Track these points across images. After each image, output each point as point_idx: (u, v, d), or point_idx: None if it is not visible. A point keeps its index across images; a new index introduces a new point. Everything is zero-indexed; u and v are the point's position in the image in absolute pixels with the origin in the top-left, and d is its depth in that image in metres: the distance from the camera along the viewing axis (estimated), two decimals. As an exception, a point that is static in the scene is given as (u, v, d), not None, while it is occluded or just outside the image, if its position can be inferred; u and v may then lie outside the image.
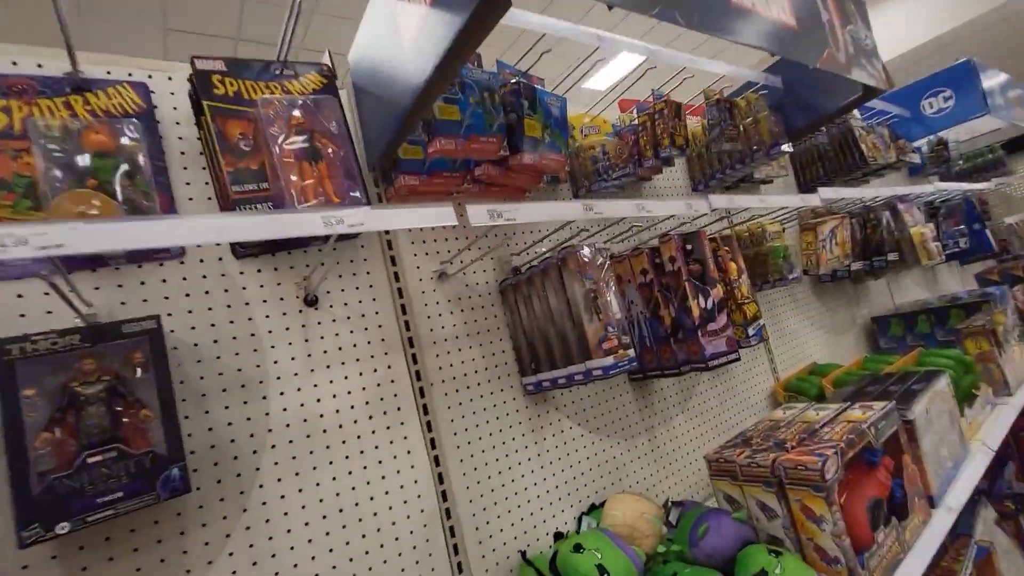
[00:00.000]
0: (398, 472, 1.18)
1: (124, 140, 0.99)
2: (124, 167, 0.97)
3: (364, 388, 1.18)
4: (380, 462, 1.17)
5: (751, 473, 1.15)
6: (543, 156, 1.31)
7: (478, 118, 1.16)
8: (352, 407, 1.16)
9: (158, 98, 1.08)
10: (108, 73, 1.03)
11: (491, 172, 1.30)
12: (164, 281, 1.02)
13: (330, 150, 1.09)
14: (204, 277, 1.06)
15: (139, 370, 0.86)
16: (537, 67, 1.40)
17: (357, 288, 1.23)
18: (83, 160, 0.94)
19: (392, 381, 1.22)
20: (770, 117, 1.85)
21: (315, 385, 1.13)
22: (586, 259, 1.21)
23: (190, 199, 1.08)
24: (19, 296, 0.88)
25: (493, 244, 1.49)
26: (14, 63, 0.96)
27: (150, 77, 1.07)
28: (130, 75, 1.05)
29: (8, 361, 0.77)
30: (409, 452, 1.21)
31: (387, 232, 1.30)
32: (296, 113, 1.07)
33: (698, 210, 1.43)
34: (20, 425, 0.77)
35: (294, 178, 1.04)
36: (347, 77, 1.33)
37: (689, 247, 1.46)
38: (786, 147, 1.83)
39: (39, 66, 0.97)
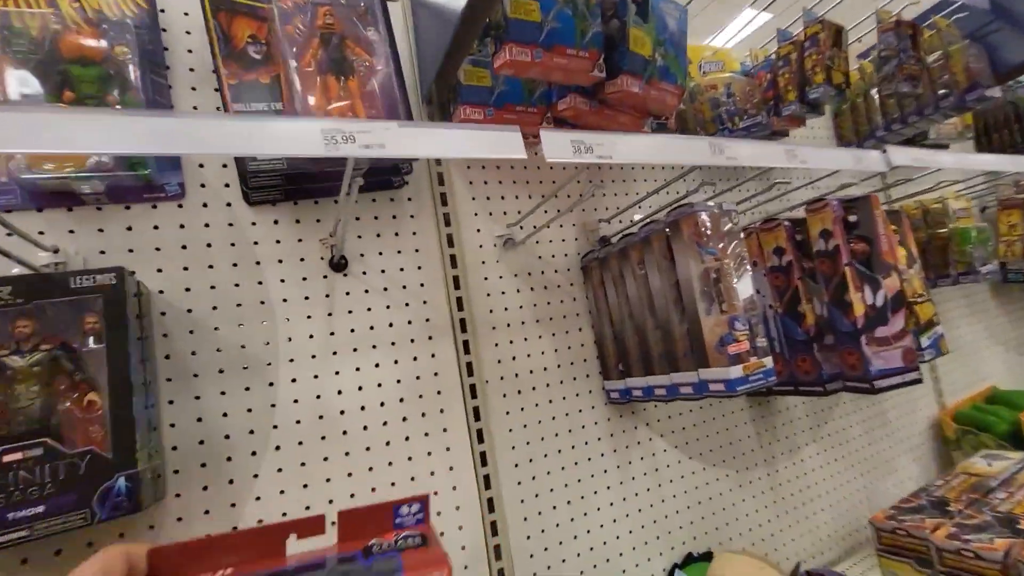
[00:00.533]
0: (435, 494, 0.91)
1: (113, 47, 0.77)
2: (111, 79, 0.76)
3: (399, 381, 0.92)
4: (412, 479, 0.90)
5: (964, 566, 0.75)
6: (653, 84, 0.96)
7: (565, 21, 0.84)
8: (382, 404, 0.90)
9: (167, 0, 0.86)
10: (105, -35, 0.82)
11: (579, 107, 0.97)
12: (156, 228, 0.80)
13: (366, 64, 0.82)
14: (206, 226, 0.83)
15: (91, 339, 0.64)
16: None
17: (399, 252, 0.96)
18: (59, 67, 0.73)
19: (436, 374, 0.95)
20: (968, 50, 1.34)
21: (336, 372, 0.88)
22: (707, 225, 0.85)
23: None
24: None
25: (576, 203, 1.16)
26: (-10, -53, 0.76)
27: (157, -27, 0.85)
28: (131, -32, 0.84)
29: (-87, 315, 0.58)
30: (452, 468, 0.93)
31: (441, 182, 1.02)
32: (324, 12, 0.80)
33: (870, 166, 1.01)
34: (-79, 403, 0.57)
35: (314, 97, 0.77)
36: (402, -14, 1.05)
37: (853, 218, 1.04)
38: (992, 91, 1.32)
39: (21, -48, 0.78)
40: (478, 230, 1.04)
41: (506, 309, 1.03)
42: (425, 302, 0.96)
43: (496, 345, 1.01)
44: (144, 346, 0.75)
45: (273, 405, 0.83)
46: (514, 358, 1.02)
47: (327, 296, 0.89)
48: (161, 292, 0.79)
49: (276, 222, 0.88)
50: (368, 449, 0.88)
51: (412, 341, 0.94)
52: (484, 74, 0.95)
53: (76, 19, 0.77)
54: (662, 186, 0.94)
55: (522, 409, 1.01)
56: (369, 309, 0.92)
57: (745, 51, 1.51)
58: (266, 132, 0.52)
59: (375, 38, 0.84)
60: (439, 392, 0.94)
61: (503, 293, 1.04)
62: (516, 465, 0.99)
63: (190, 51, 0.87)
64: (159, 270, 0.80)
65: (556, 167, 1.16)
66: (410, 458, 0.90)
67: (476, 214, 1.04)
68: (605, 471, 1.07)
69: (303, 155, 0.55)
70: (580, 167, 1.17)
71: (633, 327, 1.00)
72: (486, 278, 1.03)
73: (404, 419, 0.91)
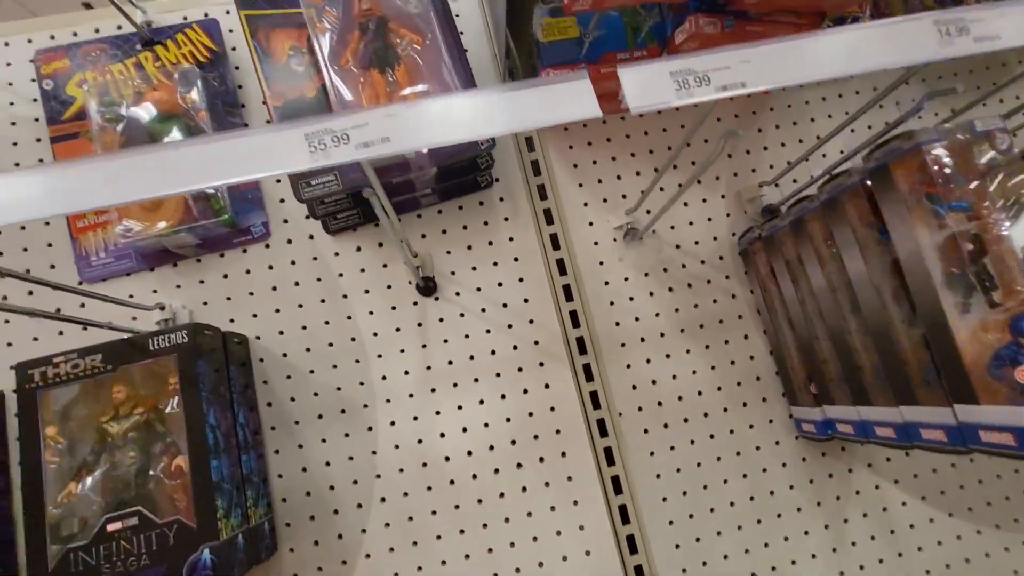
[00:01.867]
0: (564, 559, 0.73)
1: (184, 97, 0.77)
2: (186, 130, 0.76)
3: (508, 419, 0.76)
4: (535, 539, 0.74)
5: None
6: (820, -35, 0.63)
7: (662, -91, 0.58)
8: (491, 448, 0.75)
9: (237, 37, 0.84)
10: (184, 18, 0.83)
11: (706, 30, 0.69)
12: (248, 272, 0.78)
13: (414, 45, 0.68)
14: (293, 263, 0.79)
15: (173, 401, 0.63)
16: None
17: (495, 264, 0.80)
18: (143, 127, 0.75)
19: (552, 409, 0.77)
20: None
21: (437, 412, 0.76)
22: (943, 163, 0.51)
23: (275, 162, 0.81)
24: (81, 306, 0.74)
25: (708, 164, 0.86)
26: (96, 30, 0.83)
27: (228, 13, 0.84)
28: (205, 15, 0.84)
29: (29, 390, 0.61)
30: (582, 528, 0.74)
31: (537, 171, 0.84)
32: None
33: None
34: (40, 474, 0.60)
35: (360, 98, 0.66)
36: (471, -51, 0.90)
37: None
38: None
39: (119, 28, 0.82)
40: (590, 223, 0.83)
41: (637, 319, 0.80)
42: (531, 321, 0.79)
43: (628, 367, 0.79)
44: (247, 396, 0.73)
45: (374, 452, 0.75)
46: (654, 382, 0.79)
47: (419, 325, 0.78)
48: (258, 338, 0.77)
49: (359, 249, 0.79)
50: (480, 502, 0.74)
51: (520, 370, 0.77)
52: (568, 23, 0.73)
53: (158, 76, 0.78)
54: (856, 114, 0.61)
55: (672, 448, 0.77)
56: (467, 336, 0.78)
57: None
58: (231, 154, 0.41)
59: (420, 11, 0.69)
60: (558, 431, 0.76)
61: (631, 299, 0.81)
62: (671, 523, 0.75)
63: (264, 85, 0.83)
64: (254, 315, 0.77)
65: (685, 119, 0.88)
66: (530, 513, 0.74)
67: (585, 204, 0.83)
68: (806, 532, 0.77)
69: (286, 171, 0.42)
70: (718, 110, 0.87)
71: (827, 331, 0.68)
72: (606, 283, 0.81)
73: (519, 465, 0.75)
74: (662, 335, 0.80)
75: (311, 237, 0.80)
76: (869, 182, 0.57)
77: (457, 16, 0.86)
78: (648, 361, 0.79)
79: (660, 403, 0.78)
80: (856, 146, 0.60)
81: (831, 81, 0.92)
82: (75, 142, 0.78)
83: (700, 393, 0.79)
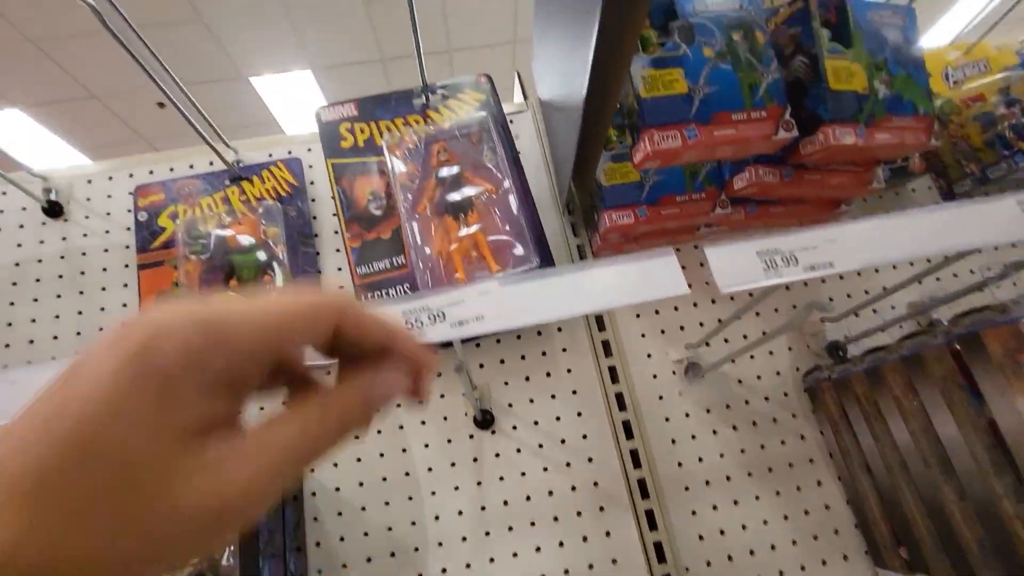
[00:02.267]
0: None
1: (266, 231, 0.82)
2: (266, 262, 0.80)
3: (567, 572, 0.71)
4: None
5: None
6: (879, 125, 0.66)
7: (725, 80, 0.62)
8: (547, 603, 0.70)
9: (316, 172, 0.90)
10: (270, 155, 0.91)
11: (765, 180, 0.72)
12: (306, 399, 0.79)
13: (484, 193, 0.72)
14: (351, 391, 0.79)
15: (228, 551, 0.60)
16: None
17: (552, 396, 0.79)
18: (227, 259, 0.80)
19: (614, 562, 0.72)
20: None
21: (491, 560, 0.72)
22: (1047, 334, 0.49)
23: (340, 287, 0.84)
24: None
25: (788, 310, 0.86)
26: (191, 166, 0.90)
27: (309, 151, 0.92)
28: (289, 152, 0.91)
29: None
30: None
31: (594, 304, 0.84)
32: (438, 149, 0.74)
33: None
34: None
35: (434, 243, 0.69)
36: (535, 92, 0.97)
37: None
38: None
39: (211, 164, 0.90)
40: (648, 355, 0.82)
41: (701, 460, 0.77)
42: (591, 459, 0.76)
43: (694, 514, 0.74)
44: (297, 537, 0.71)
45: (423, 601, 0.70)
46: (723, 532, 0.73)
47: (475, 460, 0.76)
48: (312, 471, 0.75)
49: (416, 378, 0.79)
50: (535, 667, 0.68)
51: (579, 515, 0.73)
52: (629, 168, 0.77)
53: (243, 209, 0.84)
54: (925, 272, 0.61)
55: (747, 610, 0.70)
56: (523, 473, 0.75)
57: (1015, 32, 1.05)
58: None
59: (494, 161, 0.74)
60: (621, 586, 0.70)
61: (693, 438, 0.78)
62: None
63: (334, 214, 0.89)
64: (309, 445, 0.76)
65: (746, 255, 0.89)
66: None
67: (643, 335, 0.83)
68: None
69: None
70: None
71: (915, 490, 0.63)
72: (667, 419, 0.79)
73: (578, 625, 0.69)
74: (728, 478, 0.76)
75: (370, 364, 0.80)
76: (958, 346, 0.55)
77: (519, 152, 0.93)
78: (715, 508, 0.74)
79: (730, 557, 0.72)
80: (930, 299, 0.59)
81: (884, 214, 0.93)
82: (159, 269, 0.82)
83: (773, 548, 0.73)
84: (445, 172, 0.72)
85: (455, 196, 0.71)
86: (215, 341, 0.19)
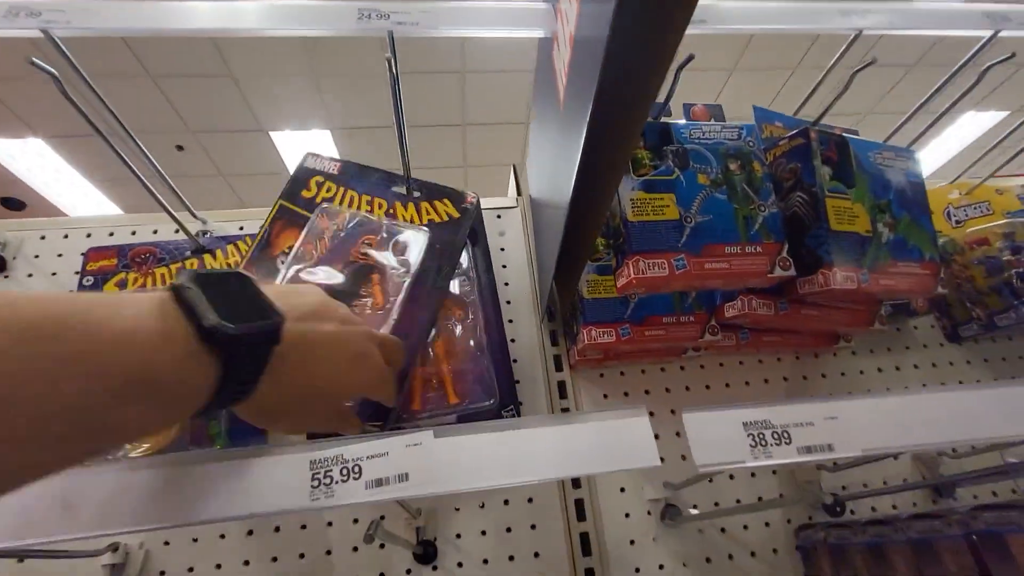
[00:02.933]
0: None
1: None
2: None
3: None
4: None
5: None
6: (882, 271, 0.61)
7: (719, 210, 0.58)
8: None
9: (284, 250, 0.85)
10: (241, 228, 0.86)
11: (758, 312, 0.66)
12: (228, 506, 0.68)
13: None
14: (281, 501, 0.69)
15: None
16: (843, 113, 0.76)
17: (508, 531, 0.69)
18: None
19: None
20: None
21: None
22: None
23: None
24: None
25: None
26: (155, 231, 0.85)
27: (281, 226, 0.87)
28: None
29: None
30: None
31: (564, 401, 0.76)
32: (364, 241, 0.67)
33: None
34: None
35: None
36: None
37: None
38: None
39: (176, 232, 0.85)
40: (622, 490, 0.72)
41: (674, 628, 0.65)
42: (545, 614, 0.65)
43: None
44: None
45: None
46: None
47: (409, 603, 0.65)
48: (216, 595, 0.64)
49: (357, 493, 0.70)
50: None
51: None
52: (613, 283, 0.72)
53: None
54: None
55: None
56: (464, 625, 0.64)
57: (1012, 167, 1.05)
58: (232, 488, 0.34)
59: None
60: None
61: (668, 597, 0.67)
62: None
63: (299, 297, 0.82)
64: (218, 566, 0.65)
65: (740, 376, 0.82)
66: None
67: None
68: None
69: (280, 511, 0.35)
70: (773, 355, 0.80)
71: None
72: (637, 570, 0.68)
73: None
74: (706, 654, 0.64)
75: (308, 470, 0.71)
76: (976, 538, 0.47)
77: (502, 250, 0.88)
78: None
79: None
80: (937, 455, 0.52)
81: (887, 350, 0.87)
82: (92, 339, 0.75)
83: None
84: (357, 264, 0.66)
85: (351, 286, 0.64)
86: None
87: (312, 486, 0.35)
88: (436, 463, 0.36)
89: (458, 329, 0.66)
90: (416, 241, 0.64)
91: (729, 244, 0.57)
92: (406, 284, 0.60)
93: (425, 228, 0.65)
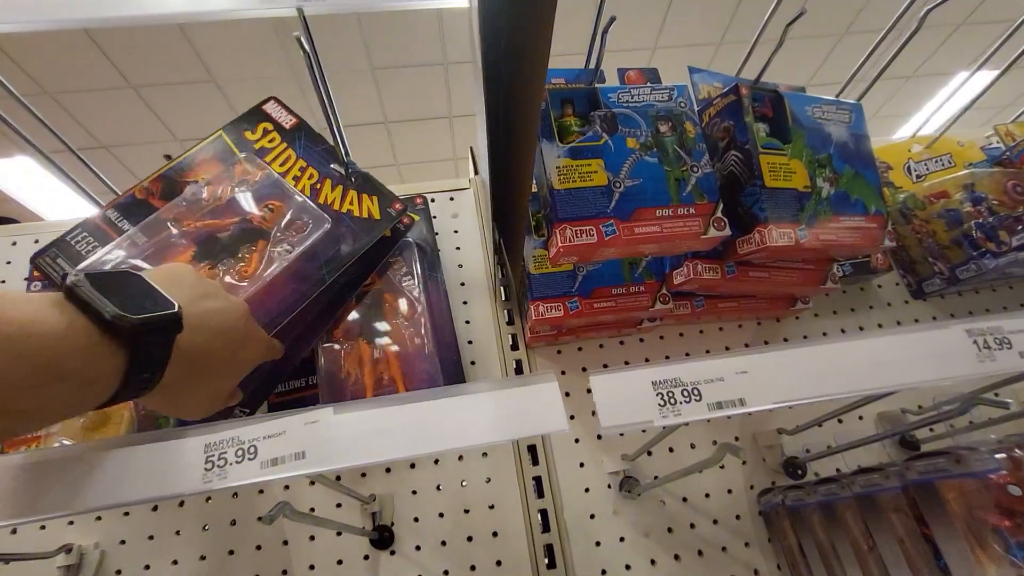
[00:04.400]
0: None
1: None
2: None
3: None
4: None
5: None
6: (822, 225, 0.60)
7: (648, 173, 0.57)
8: None
9: (235, 245, 0.84)
10: (189, 226, 0.85)
11: (705, 277, 0.65)
12: (181, 505, 0.68)
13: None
14: (234, 496, 0.69)
15: None
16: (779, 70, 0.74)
17: (466, 512, 0.68)
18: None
19: None
20: None
21: None
22: (1014, 497, 0.40)
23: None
24: None
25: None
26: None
27: (232, 222, 0.86)
28: (209, 223, 0.85)
29: None
30: None
31: (523, 402, 0.75)
32: (266, 204, 0.65)
33: None
34: None
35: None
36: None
37: None
38: None
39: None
40: (581, 464, 0.72)
41: (635, 598, 0.65)
42: (504, 592, 0.64)
43: (622, 669, 0.62)
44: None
45: None
46: None
47: (369, 586, 0.65)
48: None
49: (312, 483, 0.70)
50: None
51: (483, 664, 0.61)
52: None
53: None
54: (884, 394, 0.52)
55: None
56: (423, 606, 0.64)
57: (983, 129, 1.03)
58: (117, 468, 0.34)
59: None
60: None
61: (628, 568, 0.66)
62: None
63: (251, 291, 0.81)
64: (174, 561, 0.65)
65: (699, 343, 0.81)
66: None
67: (577, 440, 0.73)
68: None
69: (178, 494, 0.34)
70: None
71: (882, 664, 0.52)
72: (598, 543, 0.68)
73: None
74: (667, 623, 0.64)
75: (264, 463, 0.70)
76: (911, 490, 0.46)
77: (455, 232, 0.87)
78: (649, 662, 0.62)
79: None
80: (901, 411, 0.51)
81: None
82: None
83: None
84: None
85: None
86: None
87: (205, 468, 0.34)
88: (334, 439, 0.36)
89: (404, 326, 0.65)
90: (317, 226, 0.63)
91: (660, 207, 0.56)
92: (287, 260, 0.59)
93: (329, 219, 0.64)
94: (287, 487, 0.69)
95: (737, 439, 0.75)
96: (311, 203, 0.64)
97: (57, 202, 3.96)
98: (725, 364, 0.38)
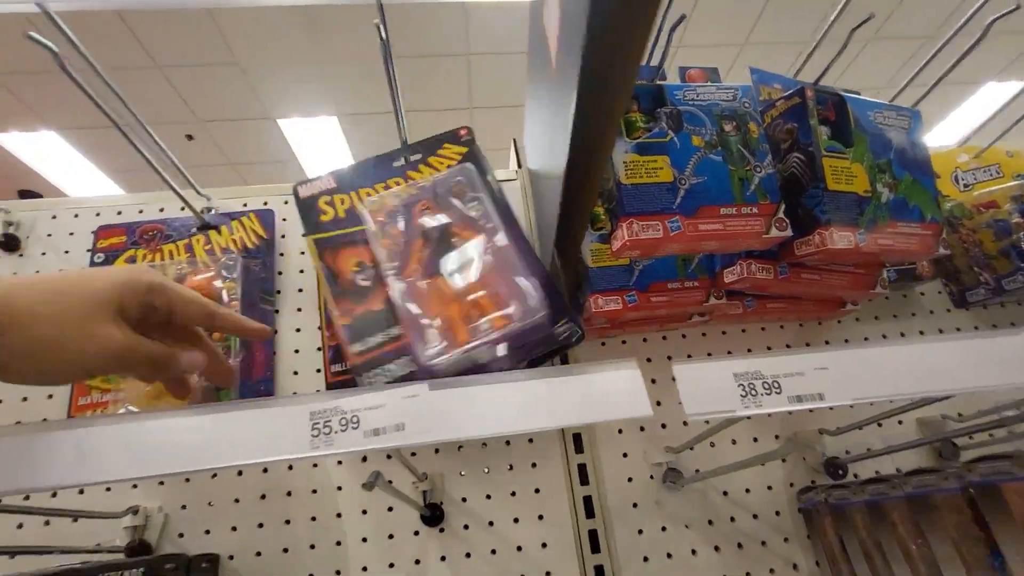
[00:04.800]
0: None
1: (224, 284, 0.77)
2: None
3: None
4: None
5: None
6: (880, 230, 0.61)
7: (713, 171, 0.58)
8: None
9: (289, 225, 0.86)
10: (244, 205, 0.88)
11: (757, 276, 0.66)
12: (240, 474, 0.71)
13: (477, 245, 0.67)
14: (290, 469, 0.71)
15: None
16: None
17: (512, 494, 0.70)
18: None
19: None
20: None
21: None
22: (1080, 497, 0.41)
23: (296, 351, 0.78)
24: (53, 495, 0.67)
25: (783, 417, 0.77)
26: (161, 209, 0.87)
27: (286, 203, 0.88)
28: (264, 203, 0.88)
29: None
30: None
31: (568, 391, 0.77)
32: (420, 208, 0.69)
33: None
34: None
35: (428, 307, 0.63)
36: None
37: None
38: None
39: (181, 209, 0.87)
40: (625, 455, 0.74)
41: (675, 586, 0.67)
42: (548, 573, 0.66)
43: (663, 653, 0.64)
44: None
45: None
46: None
47: (416, 563, 0.67)
48: (231, 558, 0.67)
49: (364, 459, 0.72)
50: None
51: (528, 641, 0.63)
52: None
53: (205, 260, 0.79)
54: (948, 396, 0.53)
55: None
56: (469, 584, 0.66)
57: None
58: (239, 433, 0.36)
59: (482, 212, 0.69)
60: None
61: (669, 556, 0.68)
62: None
63: (302, 271, 0.84)
64: (233, 528, 0.68)
65: (740, 342, 0.82)
66: None
67: (620, 431, 0.75)
68: None
69: (279, 459, 0.36)
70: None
71: (925, 659, 0.53)
72: (640, 531, 0.69)
73: None
74: (706, 611, 0.66)
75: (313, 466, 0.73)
76: (971, 491, 0.47)
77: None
78: (689, 647, 0.64)
79: None
80: (941, 418, 0.52)
81: (892, 318, 0.86)
82: (106, 316, 0.77)
83: None
84: (430, 230, 0.67)
85: (445, 254, 0.66)
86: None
87: (312, 435, 0.36)
88: (432, 413, 0.37)
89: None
90: (462, 172, 0.66)
91: (724, 205, 0.57)
92: (491, 208, 0.63)
93: (466, 164, 0.67)
94: (340, 462, 0.71)
95: (777, 437, 0.76)
96: (441, 174, 0.68)
97: (79, 177, 4.02)
98: (805, 360, 0.39)
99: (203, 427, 0.36)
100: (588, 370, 0.40)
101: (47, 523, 0.67)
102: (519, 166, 0.97)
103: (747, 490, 0.73)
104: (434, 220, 0.69)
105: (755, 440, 0.76)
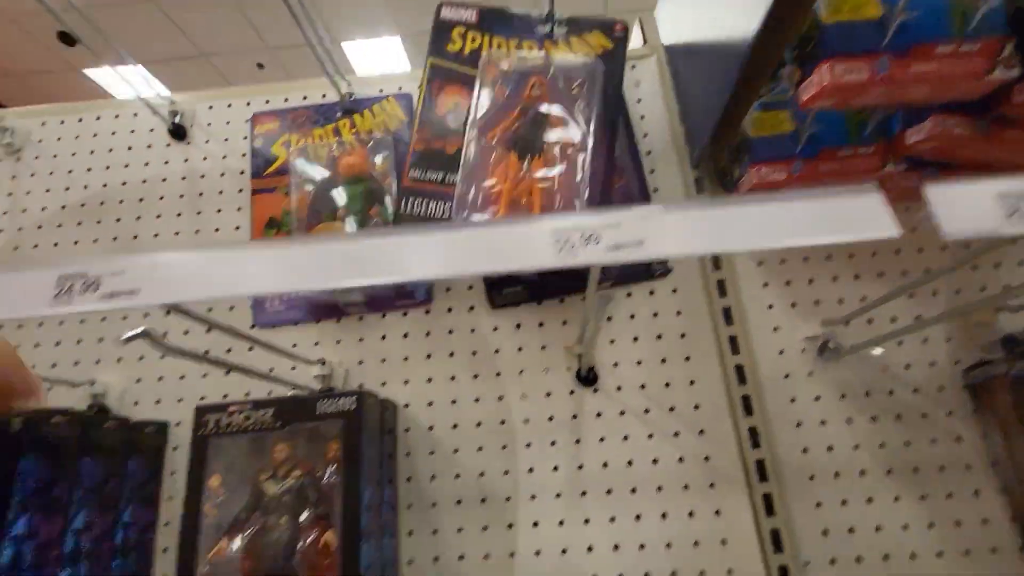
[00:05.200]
0: None
1: (376, 161, 0.80)
2: (373, 193, 0.79)
3: (668, 545, 0.66)
4: None
5: None
6: (1125, 68, 0.53)
7: (929, 4, 0.52)
8: (646, 575, 0.65)
9: (425, 110, 0.87)
10: (381, 91, 0.89)
11: (953, 132, 0.60)
12: (405, 336, 0.77)
13: (563, 144, 0.65)
14: (450, 332, 0.77)
15: (329, 469, 0.60)
16: None
17: (663, 360, 0.73)
18: (336, 189, 0.79)
19: (723, 542, 0.66)
20: None
21: (586, 521, 0.68)
22: None
23: (445, 229, 0.81)
24: (249, 349, 0.76)
25: (949, 295, 0.74)
26: (304, 97, 0.90)
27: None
28: (400, 88, 0.89)
29: (202, 436, 0.61)
30: None
31: (717, 265, 0.76)
32: (534, 83, 0.68)
33: None
34: (198, 526, 0.59)
35: (486, 175, 0.64)
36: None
37: None
38: None
39: (323, 96, 0.89)
40: (775, 329, 0.73)
41: (830, 448, 0.68)
42: (702, 432, 0.70)
43: (818, 506, 0.66)
44: (388, 466, 0.70)
45: (512, 554, 0.68)
46: (851, 530, 0.65)
47: (574, 417, 0.72)
48: (407, 406, 0.74)
49: (518, 326, 0.76)
50: (626, 641, 0.63)
51: (686, 488, 0.68)
52: (782, 117, 0.68)
53: (352, 142, 0.82)
54: None
55: (874, 621, 0.62)
56: (626, 438, 0.70)
57: None
58: (481, 244, 0.38)
59: (587, 116, 0.66)
60: (730, 572, 0.64)
61: (823, 423, 0.69)
62: None
63: (444, 154, 0.85)
64: (406, 381, 0.75)
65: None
66: (687, 670, 0.62)
67: (771, 306, 0.74)
68: None
69: (530, 268, 0.39)
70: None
71: (1122, 515, 0.52)
72: (793, 399, 0.70)
73: (676, 606, 0.64)
74: (862, 473, 0.67)
75: (471, 309, 0.77)
76: None
77: (639, 101, 0.85)
78: (844, 503, 0.66)
79: (859, 559, 0.64)
80: None
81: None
82: (272, 196, 0.83)
83: (914, 556, 0.64)
84: (530, 108, 0.66)
85: (531, 136, 0.65)
86: None
87: (557, 249, 0.38)
88: (665, 231, 0.38)
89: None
90: (588, 68, 0.63)
91: (942, 43, 0.52)
92: (598, 115, 0.61)
93: (597, 61, 0.64)
94: (496, 329, 0.76)
95: (949, 322, 0.73)
96: (567, 58, 0.65)
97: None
98: (1080, 177, 0.36)
99: (467, 240, 0.39)
100: (820, 195, 0.39)
101: (250, 349, 0.76)
102: (644, 43, 0.92)
103: (907, 366, 0.71)
104: (539, 101, 0.67)
105: (917, 317, 0.73)
